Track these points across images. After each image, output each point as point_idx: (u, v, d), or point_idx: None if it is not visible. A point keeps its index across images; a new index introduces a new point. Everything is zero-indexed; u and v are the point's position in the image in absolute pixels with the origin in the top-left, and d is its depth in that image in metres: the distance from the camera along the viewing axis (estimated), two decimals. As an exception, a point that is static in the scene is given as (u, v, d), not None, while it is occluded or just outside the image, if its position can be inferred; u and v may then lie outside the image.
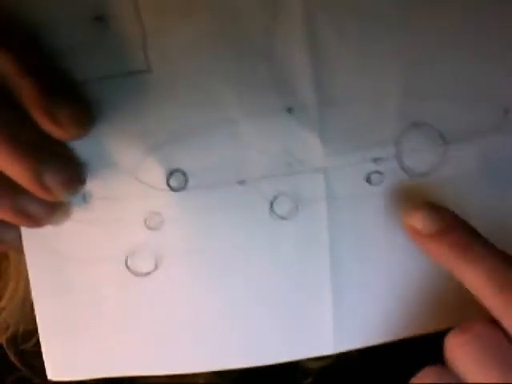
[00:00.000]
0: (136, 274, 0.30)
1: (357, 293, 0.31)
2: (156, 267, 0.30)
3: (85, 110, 0.26)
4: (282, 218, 0.30)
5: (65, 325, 0.30)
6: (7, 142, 0.25)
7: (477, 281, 0.26)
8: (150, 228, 0.29)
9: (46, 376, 0.30)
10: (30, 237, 0.30)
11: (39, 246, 0.30)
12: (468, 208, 0.30)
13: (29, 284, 0.30)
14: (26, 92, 0.25)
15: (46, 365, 0.31)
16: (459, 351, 0.26)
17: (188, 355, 0.31)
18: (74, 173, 0.27)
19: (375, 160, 0.30)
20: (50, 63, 0.27)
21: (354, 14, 0.28)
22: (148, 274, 0.30)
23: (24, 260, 0.30)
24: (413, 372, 0.29)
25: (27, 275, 0.30)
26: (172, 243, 0.29)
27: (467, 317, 0.28)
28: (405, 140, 0.29)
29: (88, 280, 0.30)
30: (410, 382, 0.28)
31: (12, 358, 0.39)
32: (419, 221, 0.28)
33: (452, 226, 0.28)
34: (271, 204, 0.30)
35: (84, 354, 0.31)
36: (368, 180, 0.30)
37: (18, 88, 0.25)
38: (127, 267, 0.30)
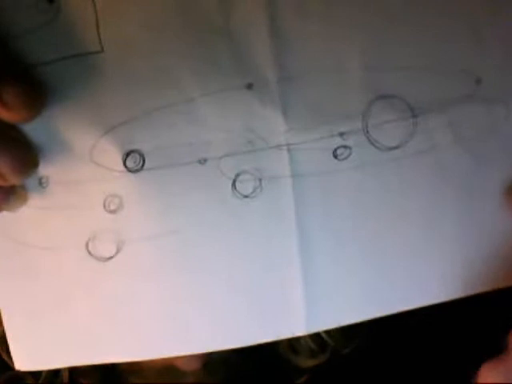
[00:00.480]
0: (98, 258, 0.29)
1: (328, 270, 0.30)
2: (118, 251, 0.29)
3: (33, 92, 0.25)
4: (246, 196, 0.29)
5: (30, 314, 0.30)
6: None
7: None
8: (109, 211, 0.28)
9: (37, 375, 0.30)
10: None
11: None
12: (440, 181, 0.30)
13: None
14: None
15: (12, 356, 0.30)
16: None
17: (155, 340, 0.30)
18: (25, 156, 0.27)
19: (341, 134, 0.29)
20: None
21: None
22: (110, 258, 0.29)
23: None
24: (406, 368, 0.28)
25: None
26: (133, 226, 0.29)
27: None
28: (372, 113, 0.29)
29: (50, 266, 0.29)
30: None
31: (4, 356, 0.39)
32: None
33: None
34: (233, 183, 0.29)
35: (50, 343, 0.30)
36: (335, 155, 0.29)
37: None
38: (89, 252, 0.29)
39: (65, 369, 0.41)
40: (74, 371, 0.42)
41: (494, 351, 0.28)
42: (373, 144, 0.29)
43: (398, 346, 0.35)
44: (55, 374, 0.41)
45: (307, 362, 0.42)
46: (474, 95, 0.29)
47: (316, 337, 0.43)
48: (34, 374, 0.39)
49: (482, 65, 0.29)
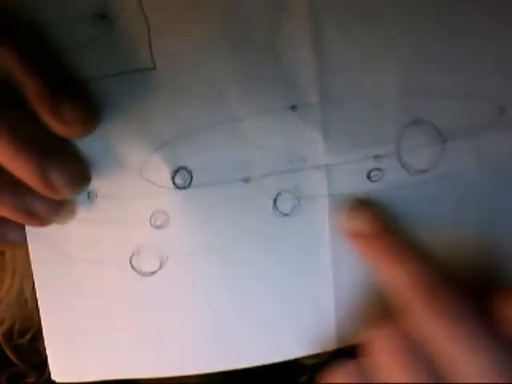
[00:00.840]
0: (141, 273, 0.30)
1: (358, 289, 0.31)
2: (161, 266, 0.30)
3: (90, 108, 0.26)
4: (285, 215, 0.30)
5: (70, 325, 0.30)
6: (12, 138, 0.24)
7: (400, 283, 0.27)
8: (155, 226, 0.29)
9: (41, 372, 0.30)
10: (35, 236, 0.29)
11: (44, 245, 0.29)
12: (466, 204, 0.31)
13: (24, 279, 0.30)
14: (31, 89, 0.25)
15: (50, 366, 0.30)
16: (377, 347, 0.27)
17: (197, 356, 0.31)
18: (79, 171, 0.27)
19: (376, 157, 0.30)
20: (54, 61, 0.27)
21: (357, 13, 0.28)
22: (153, 273, 0.30)
23: (19, 255, 0.29)
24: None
25: (22, 270, 0.30)
26: (177, 242, 0.29)
27: None
28: (404, 137, 0.30)
29: (93, 280, 0.30)
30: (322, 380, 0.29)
31: (8, 352, 0.38)
32: (354, 223, 0.29)
33: (382, 229, 0.29)
34: (275, 201, 0.30)
35: (89, 356, 0.30)
36: (368, 176, 0.30)
37: (24, 85, 0.25)
38: (132, 267, 0.29)
39: None
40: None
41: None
42: (404, 167, 0.30)
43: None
44: None
45: (310, 360, 0.42)
46: (498, 123, 0.30)
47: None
48: (37, 371, 0.39)
49: (506, 93, 0.30)
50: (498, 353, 0.25)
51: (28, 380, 0.38)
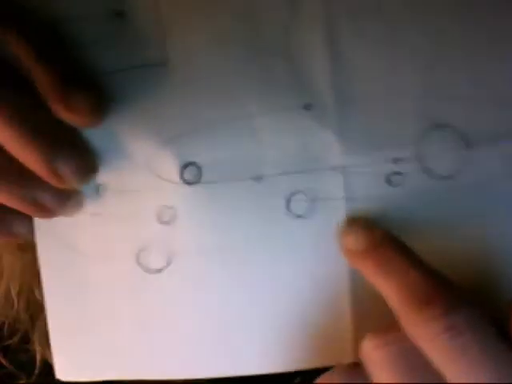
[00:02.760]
0: (147, 270, 0.29)
1: (375, 295, 0.30)
2: (168, 264, 0.29)
3: (99, 98, 0.26)
4: (299, 216, 0.29)
5: (76, 323, 0.30)
6: (20, 126, 0.24)
7: (394, 294, 0.27)
8: (162, 222, 0.28)
9: (30, 373, 0.30)
10: (43, 230, 0.29)
11: (51, 239, 0.29)
12: (492, 214, 0.29)
13: (11, 280, 0.30)
14: (41, 77, 0.25)
15: (54, 364, 0.30)
16: (373, 354, 0.27)
17: (201, 359, 0.30)
18: (86, 161, 0.27)
19: (395, 160, 0.29)
20: (69, 53, 0.27)
21: (374, 14, 0.28)
22: (160, 270, 0.29)
23: (6, 256, 0.29)
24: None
25: (9, 272, 0.29)
26: (184, 239, 0.29)
27: None
28: (426, 141, 0.29)
29: (99, 276, 0.29)
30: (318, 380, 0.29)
31: None
32: (349, 239, 0.29)
33: (377, 243, 0.28)
34: (287, 202, 0.29)
35: (94, 354, 0.30)
36: (388, 181, 0.29)
37: (35, 73, 0.25)
38: (138, 263, 0.29)
39: None
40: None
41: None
42: (426, 172, 0.29)
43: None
44: (48, 372, 0.41)
45: None
46: None
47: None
48: (27, 372, 0.39)
49: None
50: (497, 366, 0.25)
51: (17, 382, 0.38)
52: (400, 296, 0.26)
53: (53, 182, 0.26)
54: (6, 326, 0.37)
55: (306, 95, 0.28)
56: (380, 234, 0.28)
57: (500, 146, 0.29)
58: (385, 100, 0.28)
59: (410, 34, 0.28)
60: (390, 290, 0.27)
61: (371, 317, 0.30)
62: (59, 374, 0.30)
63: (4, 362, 0.37)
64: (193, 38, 0.28)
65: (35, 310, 0.36)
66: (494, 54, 0.28)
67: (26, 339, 0.37)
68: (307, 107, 0.28)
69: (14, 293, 0.35)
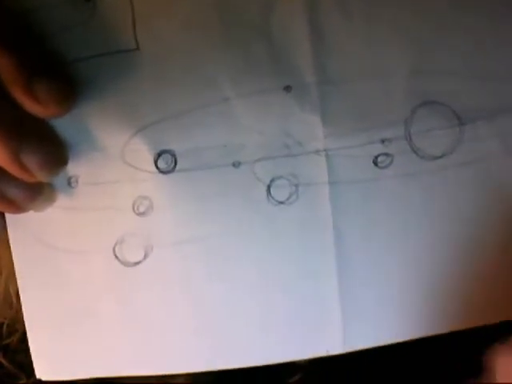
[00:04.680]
0: (125, 263, 0.28)
1: (367, 285, 0.29)
2: (146, 256, 0.28)
3: (65, 88, 0.25)
4: (281, 202, 0.28)
5: (53, 320, 0.29)
6: None
7: None
8: (138, 214, 0.27)
9: (30, 373, 0.29)
10: (15, 226, 0.28)
11: (24, 235, 0.28)
12: (486, 194, 0.28)
13: (10, 278, 0.29)
14: (4, 68, 0.24)
15: (34, 363, 0.29)
16: None
17: (183, 353, 0.29)
18: (54, 152, 0.26)
19: (383, 141, 0.28)
20: (34, 41, 0.26)
21: None
22: (138, 263, 0.28)
23: (4, 256, 0.29)
24: (402, 367, 0.26)
25: (8, 270, 0.29)
26: (161, 230, 0.28)
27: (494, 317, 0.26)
28: (415, 120, 0.27)
29: (76, 271, 0.28)
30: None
31: None
32: None
33: None
34: (268, 188, 0.28)
35: (74, 352, 0.29)
36: (375, 162, 0.28)
37: None
38: (116, 256, 0.28)
39: None
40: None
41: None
42: (416, 152, 0.28)
43: (394, 344, 0.33)
44: None
45: (300, 360, 0.40)
46: None
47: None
48: (26, 372, 0.38)
49: None
50: None
51: (17, 382, 0.37)
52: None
53: (20, 175, 0.25)
54: (4, 326, 0.37)
55: (286, 76, 0.27)
56: None
57: (495, 122, 0.27)
58: (371, 78, 0.27)
59: (394, 11, 0.27)
60: None
61: (359, 304, 0.29)
62: (39, 374, 0.29)
63: (3, 361, 0.37)
64: (164, 22, 0.26)
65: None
66: (483, 26, 0.27)
67: (26, 339, 0.37)
68: (287, 89, 0.27)
69: (12, 292, 0.35)
